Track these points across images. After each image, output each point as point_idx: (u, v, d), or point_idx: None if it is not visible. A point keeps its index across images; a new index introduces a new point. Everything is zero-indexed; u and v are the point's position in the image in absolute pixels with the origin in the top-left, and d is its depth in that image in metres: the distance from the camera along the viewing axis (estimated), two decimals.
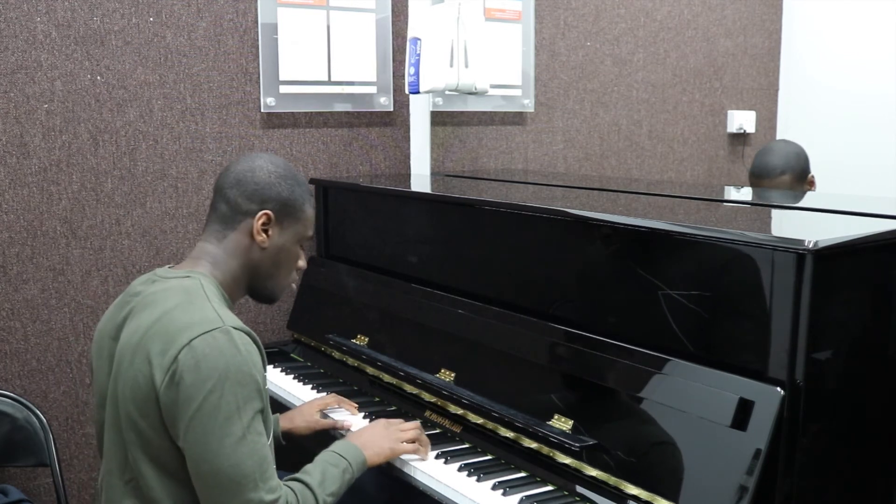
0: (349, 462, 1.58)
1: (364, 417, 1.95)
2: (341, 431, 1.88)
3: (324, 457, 1.58)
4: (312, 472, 1.52)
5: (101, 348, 1.52)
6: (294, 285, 1.65)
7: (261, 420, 1.41)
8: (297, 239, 1.60)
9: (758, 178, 2.53)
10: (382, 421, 1.75)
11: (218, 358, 1.36)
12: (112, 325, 1.51)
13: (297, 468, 1.55)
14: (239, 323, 1.43)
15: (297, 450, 1.84)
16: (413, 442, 1.70)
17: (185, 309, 1.42)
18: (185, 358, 1.35)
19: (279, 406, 2.10)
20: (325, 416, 1.93)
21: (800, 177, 2.49)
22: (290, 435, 1.88)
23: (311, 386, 2.17)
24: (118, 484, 1.46)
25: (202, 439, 1.35)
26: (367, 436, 1.68)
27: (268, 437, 1.45)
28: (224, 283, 1.54)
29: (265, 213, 1.54)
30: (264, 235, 1.55)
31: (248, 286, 1.60)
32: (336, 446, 1.61)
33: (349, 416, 1.94)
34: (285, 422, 1.89)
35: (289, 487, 1.46)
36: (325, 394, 2.07)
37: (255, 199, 1.54)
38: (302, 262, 1.64)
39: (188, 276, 1.50)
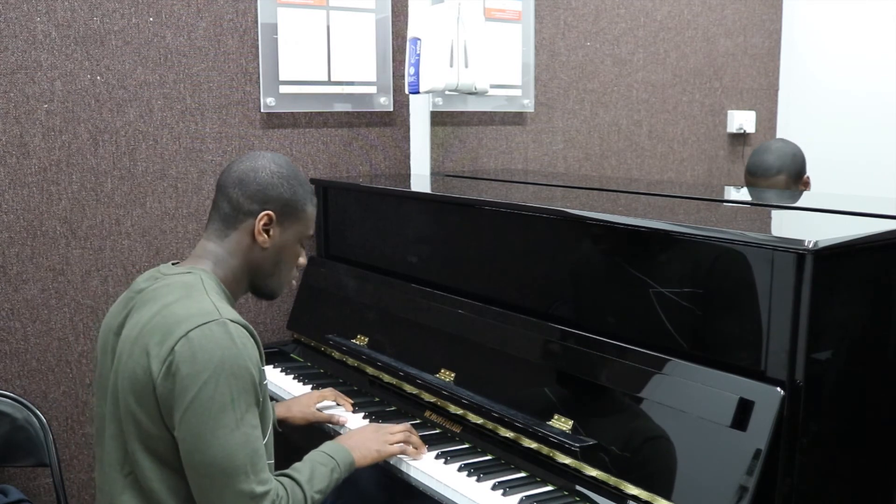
0: (337, 462, 1.60)
1: (364, 417, 1.95)
2: (335, 427, 1.91)
3: (313, 456, 1.61)
4: (302, 469, 1.55)
5: (105, 343, 1.54)
6: (294, 282, 1.67)
7: (255, 413, 1.42)
8: (298, 238, 1.62)
9: (753, 175, 2.50)
10: (373, 425, 1.79)
11: (214, 349, 1.37)
12: (116, 321, 1.53)
13: (287, 466, 1.57)
14: (237, 316, 1.45)
15: (290, 448, 1.84)
16: (402, 443, 1.72)
17: (184, 303, 1.44)
18: (182, 349, 1.37)
19: None
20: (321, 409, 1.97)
21: (795, 178, 2.47)
22: (285, 424, 1.91)
23: (311, 386, 2.18)
24: (118, 478, 1.47)
25: (196, 430, 1.36)
26: (355, 438, 1.71)
27: (265, 434, 1.46)
28: (225, 279, 1.56)
29: (267, 214, 1.55)
30: (265, 236, 1.56)
31: (250, 283, 1.62)
32: (325, 447, 1.64)
33: (344, 413, 1.96)
34: (282, 409, 1.91)
35: (279, 482, 1.47)
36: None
37: (257, 199, 1.55)
38: (303, 260, 1.66)
39: (189, 272, 1.52)
